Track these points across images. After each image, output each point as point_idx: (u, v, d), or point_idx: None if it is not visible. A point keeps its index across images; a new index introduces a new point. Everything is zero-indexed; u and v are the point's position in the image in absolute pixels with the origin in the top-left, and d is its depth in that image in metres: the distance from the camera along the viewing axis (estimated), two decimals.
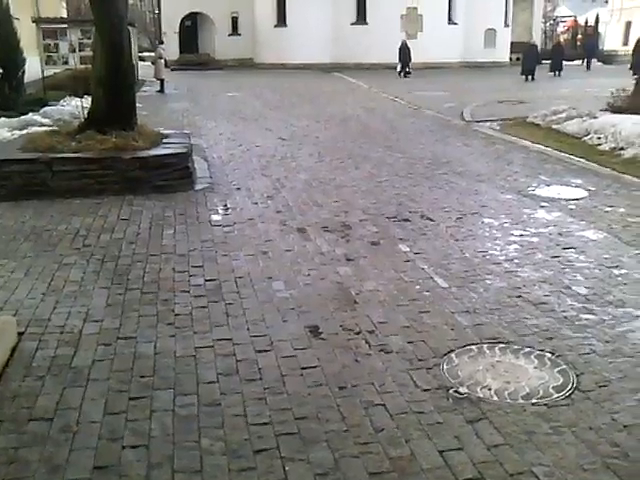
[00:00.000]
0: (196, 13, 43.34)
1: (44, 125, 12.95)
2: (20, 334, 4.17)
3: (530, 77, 29.45)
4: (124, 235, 6.35)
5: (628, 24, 58.26)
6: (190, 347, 4.01)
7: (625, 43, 56.83)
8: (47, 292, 4.92)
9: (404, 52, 32.29)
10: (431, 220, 6.88)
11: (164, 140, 9.02)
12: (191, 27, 44.14)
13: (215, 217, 7.08)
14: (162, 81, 24.37)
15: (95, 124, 8.85)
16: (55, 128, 10.41)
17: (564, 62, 32.87)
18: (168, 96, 22.97)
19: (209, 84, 28.24)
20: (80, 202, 7.48)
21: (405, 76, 31.46)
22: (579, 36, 57.04)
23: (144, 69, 27.53)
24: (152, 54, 33.07)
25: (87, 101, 9.74)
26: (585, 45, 43.79)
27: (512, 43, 43.15)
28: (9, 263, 5.57)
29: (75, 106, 11.99)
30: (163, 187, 7.91)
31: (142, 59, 35.59)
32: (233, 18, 42.91)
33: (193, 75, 33.72)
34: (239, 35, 42.80)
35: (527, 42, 44.18)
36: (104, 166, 7.94)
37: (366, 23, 38.14)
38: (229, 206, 7.50)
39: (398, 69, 32.17)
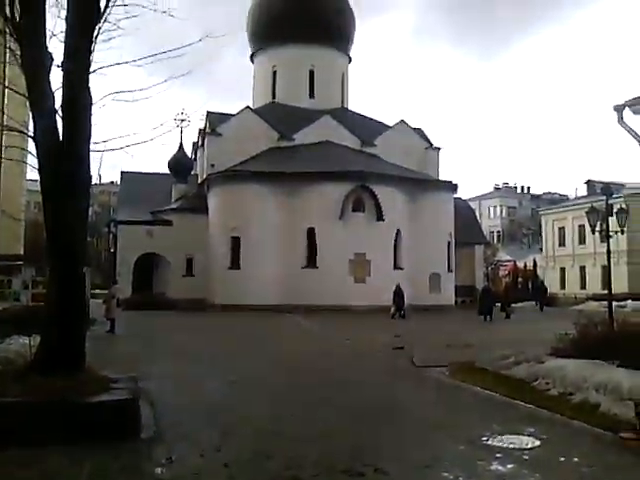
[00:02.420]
0: (152, 254, 44.71)
1: None
2: None
3: (488, 317, 31.53)
4: None
5: (562, 269, 62.60)
6: None
7: (563, 287, 60.54)
8: None
9: (399, 295, 33.56)
10: (385, 474, 6.64)
11: (112, 385, 8.79)
12: (146, 267, 45.26)
13: (158, 470, 6.73)
14: (113, 321, 24.12)
15: (42, 366, 8.62)
16: None
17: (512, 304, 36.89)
18: (118, 337, 22.79)
19: (161, 325, 28.35)
20: (18, 452, 6.99)
21: (401, 317, 32.59)
22: (520, 279, 60.54)
23: (95, 306, 27.54)
24: (105, 291, 33.37)
25: (35, 340, 9.60)
26: (534, 288, 46.51)
27: (456, 287, 45.14)
28: None
29: (22, 345, 11.77)
30: (107, 435, 7.52)
31: (94, 296, 35.80)
32: (188, 260, 44.33)
33: (145, 315, 33.88)
34: (193, 276, 43.92)
35: (471, 285, 46.64)
36: (47, 413, 7.57)
37: (316, 267, 39.80)
38: (174, 458, 7.11)
39: (392, 311, 33.20)
